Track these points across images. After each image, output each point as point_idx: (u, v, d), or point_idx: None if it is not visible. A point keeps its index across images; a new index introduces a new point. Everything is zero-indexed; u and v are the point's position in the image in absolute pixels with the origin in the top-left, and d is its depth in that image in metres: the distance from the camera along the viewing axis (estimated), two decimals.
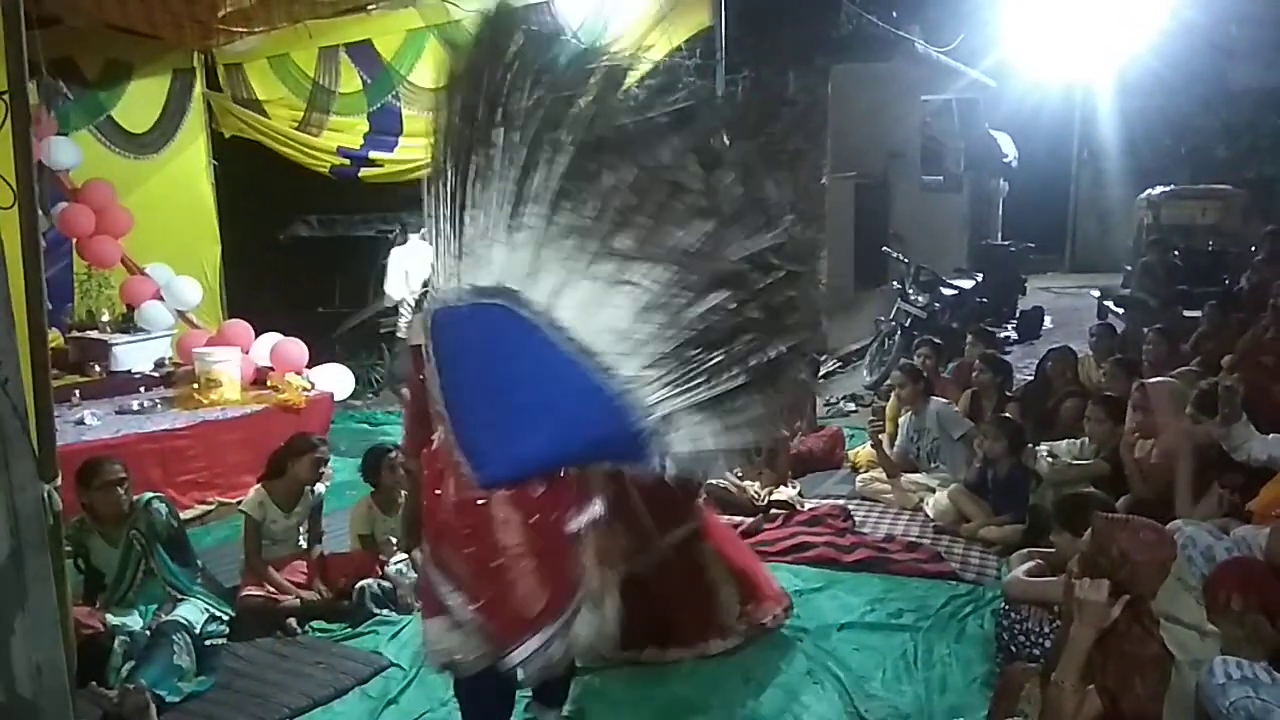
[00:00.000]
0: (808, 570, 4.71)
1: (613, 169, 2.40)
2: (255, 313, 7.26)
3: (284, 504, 4.35)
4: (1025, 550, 4.11)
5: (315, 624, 4.22)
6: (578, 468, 2.67)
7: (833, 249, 10.34)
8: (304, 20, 7.13)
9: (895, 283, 9.95)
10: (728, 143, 2.57)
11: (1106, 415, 5.00)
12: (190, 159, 7.90)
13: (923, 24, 13.42)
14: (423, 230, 7.05)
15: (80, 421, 5.44)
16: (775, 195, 2.55)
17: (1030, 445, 5.25)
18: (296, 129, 7.62)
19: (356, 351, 9.15)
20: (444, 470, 2.73)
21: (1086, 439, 5.20)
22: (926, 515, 5.47)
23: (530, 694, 3.24)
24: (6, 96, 2.67)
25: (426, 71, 7.17)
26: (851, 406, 8.32)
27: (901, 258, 10.25)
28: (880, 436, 6.05)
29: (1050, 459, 5.15)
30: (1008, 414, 5.67)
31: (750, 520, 5.35)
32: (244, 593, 4.18)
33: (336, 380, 7.15)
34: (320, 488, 4.53)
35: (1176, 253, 11.12)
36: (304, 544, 4.44)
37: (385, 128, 7.49)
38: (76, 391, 5.99)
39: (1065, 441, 5.36)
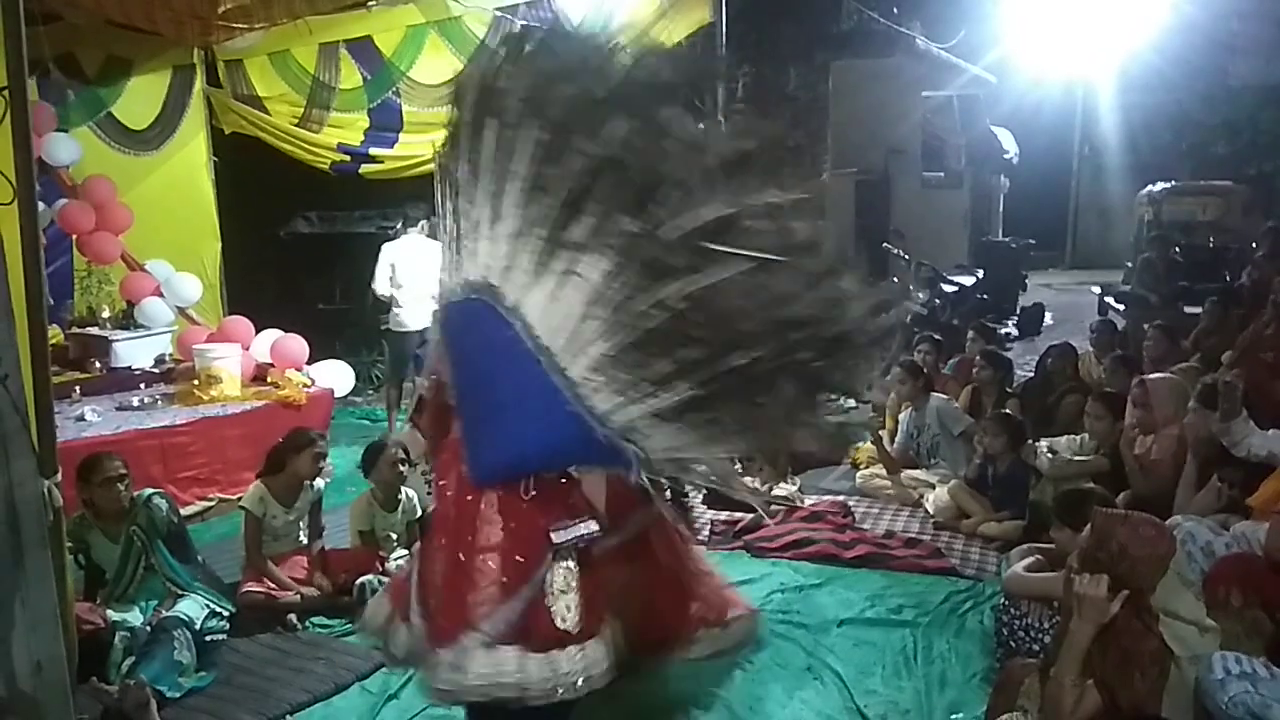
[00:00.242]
0: (808, 566, 4.71)
1: (573, 152, 2.32)
2: (255, 309, 7.27)
3: (284, 499, 4.35)
4: (1025, 546, 4.09)
5: (316, 619, 4.22)
6: (563, 473, 2.62)
7: (833, 245, 10.31)
8: (304, 16, 7.13)
9: (896, 279, 9.95)
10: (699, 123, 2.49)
11: (1106, 411, 5.00)
12: (190, 155, 7.90)
13: (924, 20, 13.42)
14: (419, 225, 7.16)
15: (81, 418, 5.44)
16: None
17: (1030, 441, 5.26)
18: (297, 125, 7.61)
19: (357, 347, 9.16)
20: (450, 463, 2.72)
21: (1087, 435, 5.20)
22: (926, 511, 5.47)
23: None
24: (6, 92, 2.67)
25: (427, 67, 7.16)
26: (851, 403, 8.31)
27: (902, 254, 10.26)
28: (880, 433, 6.06)
29: (1050, 455, 5.15)
30: (1008, 410, 5.67)
31: (750, 516, 5.35)
32: (244, 589, 4.19)
33: (337, 376, 7.16)
34: (320, 483, 4.53)
35: (1177, 249, 11.12)
36: (304, 539, 4.45)
37: (386, 124, 7.48)
38: (77, 388, 6.00)
39: (1065, 438, 5.36)
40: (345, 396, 7.66)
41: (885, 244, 10.82)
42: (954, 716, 3.38)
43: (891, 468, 5.86)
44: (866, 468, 6.10)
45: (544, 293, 2.36)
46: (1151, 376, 4.93)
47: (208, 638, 3.75)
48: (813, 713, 3.43)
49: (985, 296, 11.04)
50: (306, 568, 4.37)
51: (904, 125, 13.05)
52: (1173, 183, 13.36)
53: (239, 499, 4.67)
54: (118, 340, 6.57)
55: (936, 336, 7.10)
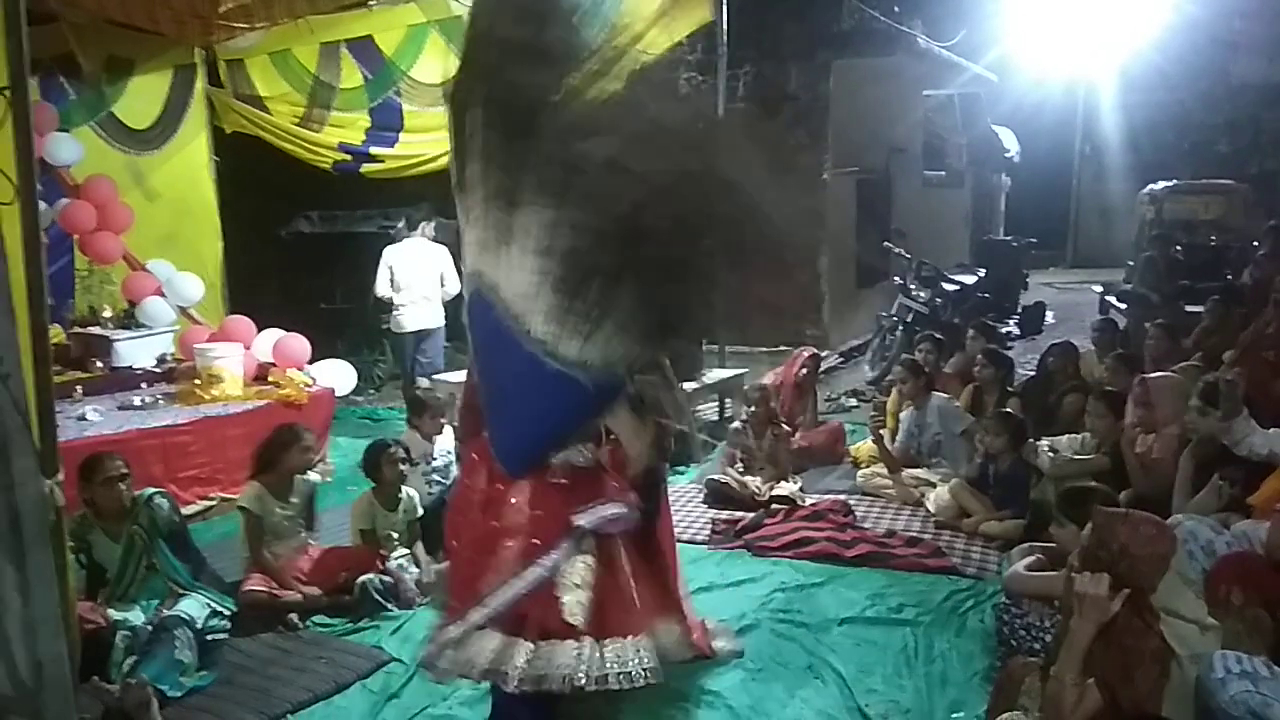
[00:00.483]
0: (809, 565, 4.71)
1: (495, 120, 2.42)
2: (257, 308, 7.27)
3: (280, 495, 4.37)
4: (1026, 545, 4.10)
5: (317, 619, 4.23)
6: (596, 459, 2.66)
7: (834, 245, 10.34)
8: (305, 16, 7.15)
9: (897, 278, 9.95)
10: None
11: (1108, 410, 4.99)
12: (192, 155, 7.92)
13: (925, 19, 13.38)
14: (420, 228, 7.19)
15: (82, 417, 5.44)
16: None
17: (1031, 440, 5.25)
18: (298, 125, 7.62)
19: (358, 347, 9.17)
20: (481, 460, 2.77)
21: (1088, 434, 5.19)
22: (927, 510, 5.47)
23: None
24: (7, 92, 2.67)
25: (428, 67, 7.16)
26: (853, 402, 8.32)
27: (903, 253, 10.25)
28: (881, 432, 6.06)
29: (1051, 454, 5.15)
30: (1009, 409, 5.67)
31: (751, 515, 5.35)
32: (246, 587, 4.19)
33: (338, 376, 7.17)
34: (313, 475, 4.56)
35: (1179, 248, 11.10)
36: (304, 535, 4.47)
37: (386, 123, 7.49)
38: (78, 387, 6.00)
39: (1066, 436, 5.36)
40: (347, 396, 7.67)
41: (886, 243, 10.82)
42: (955, 715, 3.37)
43: (893, 466, 5.86)
44: (867, 466, 6.10)
45: (506, 263, 2.43)
46: (1153, 375, 4.92)
47: (209, 637, 3.75)
48: (814, 712, 3.42)
49: (986, 295, 11.02)
50: (305, 571, 4.38)
51: (905, 124, 13.05)
52: (1174, 181, 13.34)
53: (239, 500, 4.67)
54: (119, 340, 6.58)
55: (937, 335, 7.10)
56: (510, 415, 2.61)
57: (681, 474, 6.16)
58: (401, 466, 4.58)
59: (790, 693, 3.54)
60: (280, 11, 6.99)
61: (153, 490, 4.00)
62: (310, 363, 6.77)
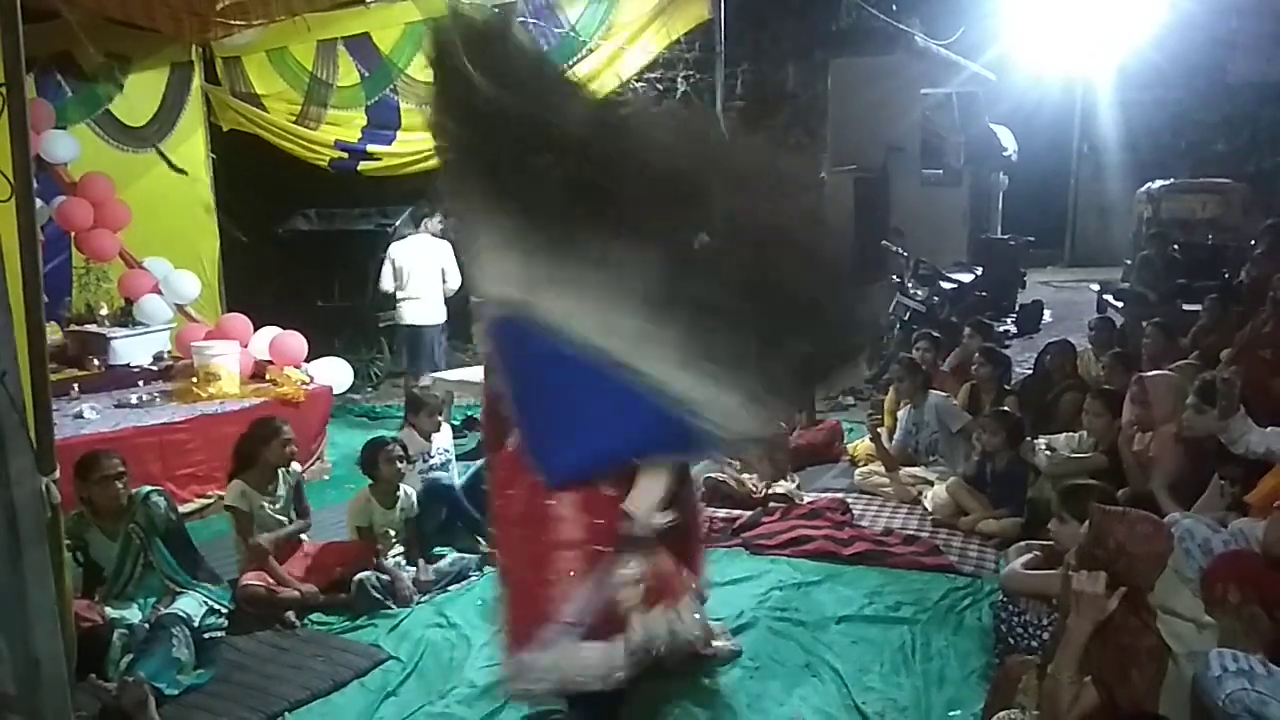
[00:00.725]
0: (806, 563, 4.71)
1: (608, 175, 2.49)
2: (254, 306, 7.27)
3: (264, 490, 4.38)
4: (1023, 543, 4.10)
5: (314, 617, 4.23)
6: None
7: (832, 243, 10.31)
8: (302, 14, 7.14)
9: (894, 276, 9.94)
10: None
11: (1105, 409, 4.99)
12: (188, 152, 7.90)
13: (923, 17, 13.39)
14: (425, 223, 7.22)
15: (79, 415, 5.44)
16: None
17: (1028, 439, 5.26)
18: (294, 123, 7.61)
19: (356, 345, 9.16)
20: (516, 474, 2.85)
21: (1085, 432, 5.19)
22: (925, 509, 5.47)
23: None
24: (3, 89, 2.66)
25: (425, 65, 7.14)
26: (850, 400, 8.31)
27: (901, 251, 10.24)
28: (879, 430, 6.06)
29: (1049, 452, 5.14)
30: (1006, 407, 5.66)
31: (749, 514, 5.35)
32: (245, 582, 4.19)
33: (335, 374, 7.16)
34: (296, 466, 4.56)
35: (1176, 247, 11.09)
36: (298, 524, 4.50)
37: (383, 121, 7.48)
38: (75, 385, 5.99)
39: (1064, 435, 5.36)
40: (344, 394, 7.66)
41: (884, 241, 10.82)
42: (952, 713, 3.38)
43: (890, 465, 5.86)
44: (865, 465, 6.10)
45: (587, 298, 2.52)
46: (1150, 374, 4.92)
47: (206, 635, 3.75)
48: (811, 710, 3.43)
49: (984, 294, 11.01)
50: (300, 568, 4.37)
51: (903, 123, 13.04)
52: (1172, 180, 13.33)
53: (225, 500, 4.67)
54: (116, 338, 6.58)
55: (935, 334, 7.09)
56: (568, 434, 2.70)
57: None
58: (399, 465, 4.57)
59: (788, 691, 3.55)
60: (277, 9, 6.98)
61: (150, 488, 4.00)
62: (307, 360, 6.76)
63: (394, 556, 4.50)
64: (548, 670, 2.73)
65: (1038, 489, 4.93)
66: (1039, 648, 3.17)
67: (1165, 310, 7.66)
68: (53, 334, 6.16)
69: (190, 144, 7.88)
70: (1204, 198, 12.66)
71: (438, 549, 4.80)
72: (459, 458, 5.71)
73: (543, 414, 2.70)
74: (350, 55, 7.42)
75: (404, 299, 7.29)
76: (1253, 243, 10.05)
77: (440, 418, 5.41)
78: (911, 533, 5.14)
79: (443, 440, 5.41)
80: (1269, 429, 3.99)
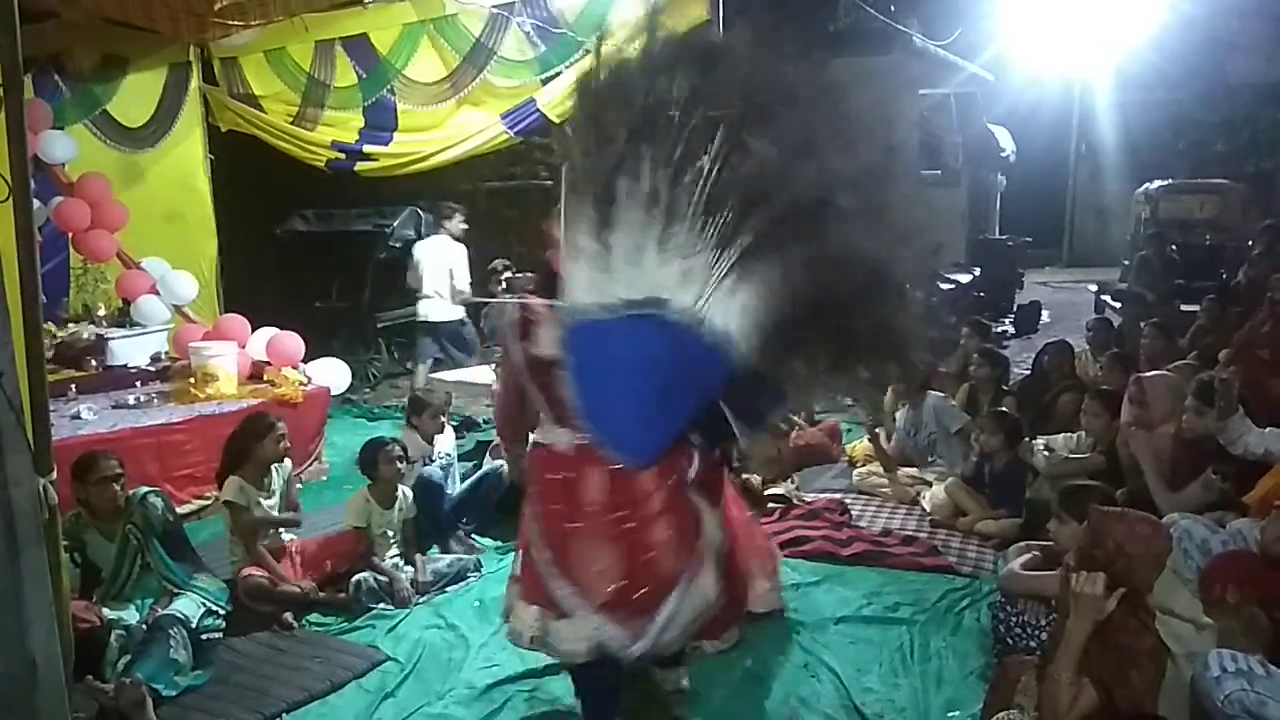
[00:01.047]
0: (804, 564, 4.71)
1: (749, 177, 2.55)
2: (251, 307, 7.26)
3: (260, 484, 4.39)
4: (1022, 543, 4.11)
5: (312, 617, 4.23)
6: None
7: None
8: (300, 14, 7.13)
9: None
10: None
11: (1103, 409, 5.00)
12: (186, 153, 7.90)
13: (921, 18, 13.42)
14: (443, 225, 7.38)
15: (76, 416, 5.43)
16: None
17: (1027, 439, 5.26)
18: (292, 123, 7.60)
19: (354, 345, 9.16)
20: (575, 475, 2.92)
21: (1083, 433, 5.20)
22: (923, 509, 5.47)
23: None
24: (1, 90, 2.66)
25: (422, 65, 7.15)
26: (849, 400, 8.31)
27: None
28: (877, 430, 6.06)
29: (1047, 453, 5.15)
30: (1004, 408, 5.66)
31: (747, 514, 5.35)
32: (245, 573, 4.19)
33: (333, 374, 7.15)
34: (288, 462, 4.57)
35: (1174, 247, 11.11)
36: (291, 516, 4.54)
37: (380, 122, 7.46)
38: (73, 386, 5.98)
39: (1062, 435, 5.36)
40: (342, 394, 7.66)
41: None
42: (951, 714, 3.38)
43: (888, 465, 5.86)
44: (863, 465, 6.09)
45: (724, 298, 2.57)
46: (1148, 374, 4.92)
47: (204, 636, 3.74)
48: (810, 710, 3.43)
49: (982, 294, 11.03)
50: (293, 565, 4.38)
51: (901, 123, 13.03)
52: (1170, 181, 13.36)
53: (222, 496, 4.67)
54: (114, 338, 6.57)
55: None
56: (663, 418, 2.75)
57: None
58: (399, 465, 4.57)
59: (786, 691, 3.54)
60: (275, 10, 6.97)
61: (147, 489, 4.00)
62: (305, 361, 6.75)
63: (391, 557, 4.50)
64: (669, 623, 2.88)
65: (1036, 489, 4.93)
66: (1037, 648, 3.17)
67: (1163, 311, 7.66)
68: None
69: (188, 145, 7.88)
70: (1202, 198, 12.68)
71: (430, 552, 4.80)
72: (458, 458, 5.70)
73: (631, 407, 2.74)
74: (348, 56, 7.40)
75: (421, 296, 7.63)
76: (1251, 243, 10.07)
77: (443, 419, 5.40)
78: (910, 533, 5.14)
79: (445, 442, 5.40)
80: (1267, 429, 4.00)
